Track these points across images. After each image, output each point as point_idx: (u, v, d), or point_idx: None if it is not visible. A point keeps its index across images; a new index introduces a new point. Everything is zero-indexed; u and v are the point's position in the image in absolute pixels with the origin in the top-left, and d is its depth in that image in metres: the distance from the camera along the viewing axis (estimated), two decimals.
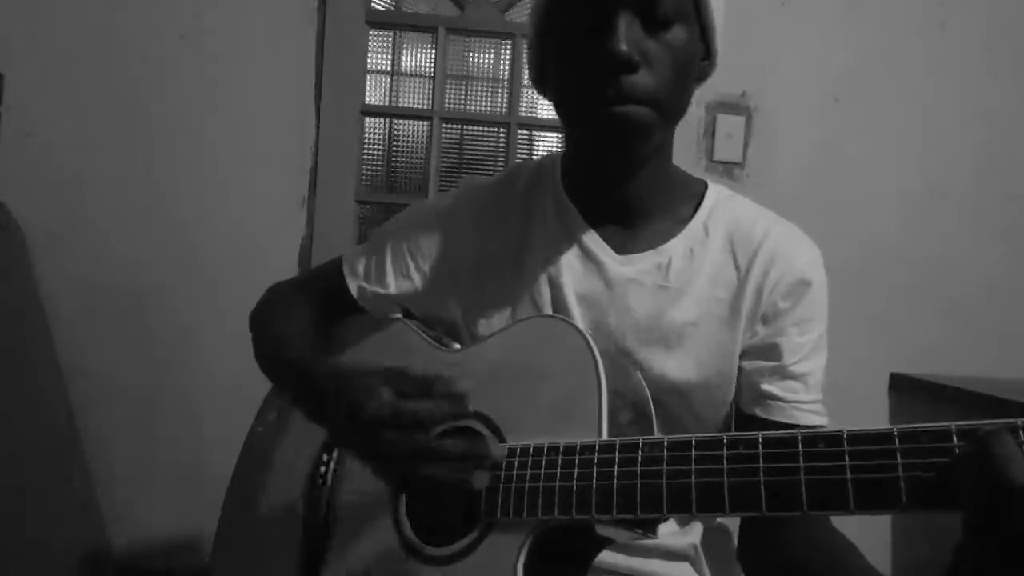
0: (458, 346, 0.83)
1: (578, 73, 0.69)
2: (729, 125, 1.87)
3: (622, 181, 0.78)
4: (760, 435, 0.51)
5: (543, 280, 0.79)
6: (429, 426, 0.62)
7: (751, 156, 1.88)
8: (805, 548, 0.70)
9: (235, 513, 0.91)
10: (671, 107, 0.71)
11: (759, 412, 0.75)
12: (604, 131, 0.70)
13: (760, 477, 0.50)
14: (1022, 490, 0.40)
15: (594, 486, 0.58)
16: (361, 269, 0.88)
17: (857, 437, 0.47)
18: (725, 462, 0.52)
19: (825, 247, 0.80)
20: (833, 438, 0.47)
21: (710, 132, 1.88)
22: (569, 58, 0.70)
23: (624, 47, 0.65)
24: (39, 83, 1.76)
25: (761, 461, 0.50)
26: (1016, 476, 0.40)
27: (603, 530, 0.61)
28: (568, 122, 0.76)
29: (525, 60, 0.85)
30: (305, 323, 0.89)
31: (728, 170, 1.88)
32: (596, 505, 0.58)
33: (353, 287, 0.88)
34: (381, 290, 0.86)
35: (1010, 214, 1.89)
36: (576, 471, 0.59)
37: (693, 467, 0.53)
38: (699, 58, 0.75)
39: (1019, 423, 0.42)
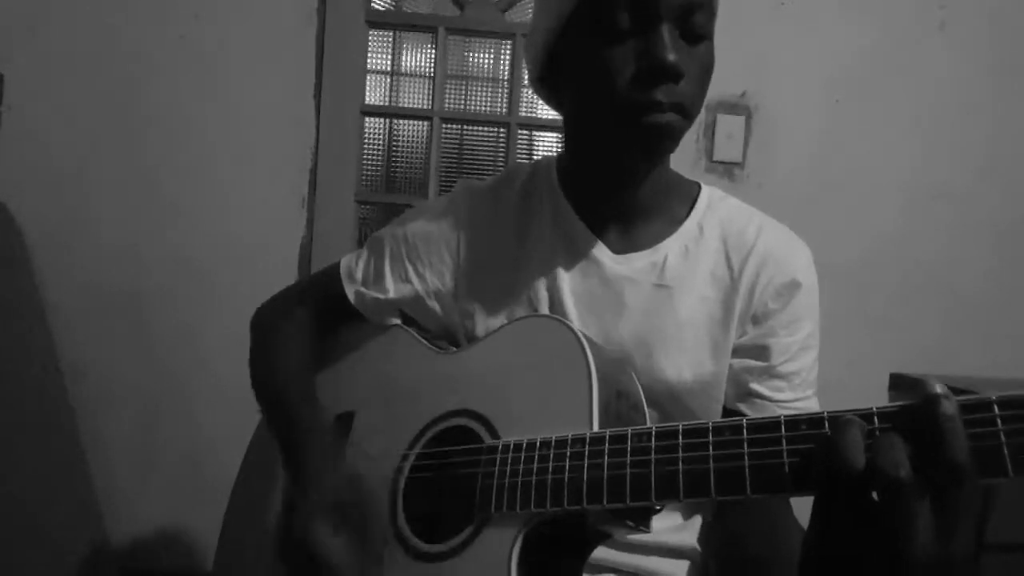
0: (455, 349, 0.84)
1: (614, 77, 0.67)
2: (729, 125, 1.87)
3: (629, 185, 0.78)
4: (744, 420, 0.52)
5: (540, 280, 0.80)
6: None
7: (751, 156, 1.88)
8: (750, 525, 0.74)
9: (238, 518, 0.92)
10: (695, 117, 0.72)
11: (743, 408, 0.77)
12: (640, 138, 0.69)
13: (745, 461, 0.50)
14: (855, 475, 0.42)
15: (585, 477, 0.59)
16: (359, 274, 0.88)
17: (836, 419, 0.47)
18: (711, 448, 0.52)
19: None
20: (814, 421, 0.48)
21: (710, 132, 1.88)
22: (602, 60, 0.68)
23: (674, 56, 0.65)
24: (39, 83, 1.76)
25: (746, 446, 0.50)
26: (853, 461, 0.42)
27: (597, 523, 0.62)
28: (592, 125, 0.74)
29: (524, 58, 0.85)
30: (303, 345, 0.90)
31: (728, 170, 1.88)
32: (587, 495, 0.58)
33: (351, 293, 0.88)
34: (380, 295, 0.86)
35: (1010, 214, 1.88)
36: (567, 463, 0.60)
37: (680, 454, 0.54)
38: None
39: (874, 409, 0.45)
